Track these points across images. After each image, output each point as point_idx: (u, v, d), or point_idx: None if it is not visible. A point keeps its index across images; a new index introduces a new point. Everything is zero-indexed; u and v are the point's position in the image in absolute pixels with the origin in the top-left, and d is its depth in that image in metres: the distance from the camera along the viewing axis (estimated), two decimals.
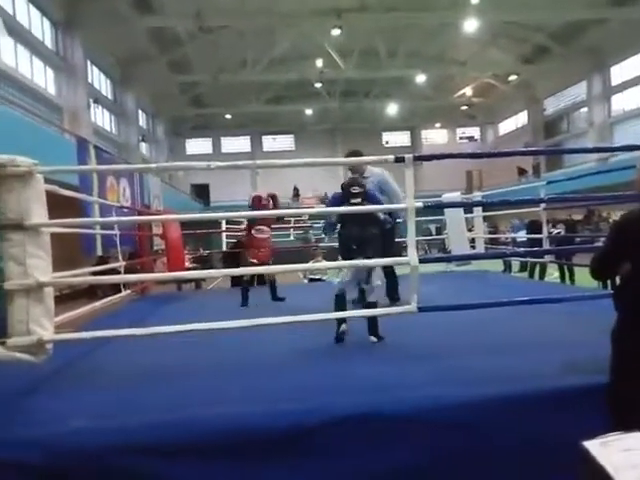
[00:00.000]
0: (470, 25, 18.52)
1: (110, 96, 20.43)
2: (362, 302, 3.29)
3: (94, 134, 16.68)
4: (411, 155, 2.73)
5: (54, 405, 2.11)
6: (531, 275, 9.18)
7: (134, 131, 21.73)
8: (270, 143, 32.32)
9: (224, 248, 8.77)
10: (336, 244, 3.54)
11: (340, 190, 3.28)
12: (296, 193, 29.10)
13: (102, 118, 19.45)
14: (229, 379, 2.43)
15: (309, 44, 20.69)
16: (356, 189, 3.16)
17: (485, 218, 8.87)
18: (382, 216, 3.51)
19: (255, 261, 4.75)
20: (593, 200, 8.94)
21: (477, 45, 22.71)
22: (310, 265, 5.68)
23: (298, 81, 24.46)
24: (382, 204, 3.52)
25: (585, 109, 23.46)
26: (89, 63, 17.86)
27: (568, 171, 20.51)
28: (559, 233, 8.63)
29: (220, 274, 4.67)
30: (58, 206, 2.99)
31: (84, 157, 5.72)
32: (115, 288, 5.99)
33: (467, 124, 32.97)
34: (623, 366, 1.95)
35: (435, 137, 33.39)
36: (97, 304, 4.25)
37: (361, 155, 4.34)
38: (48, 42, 15.27)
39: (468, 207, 8.41)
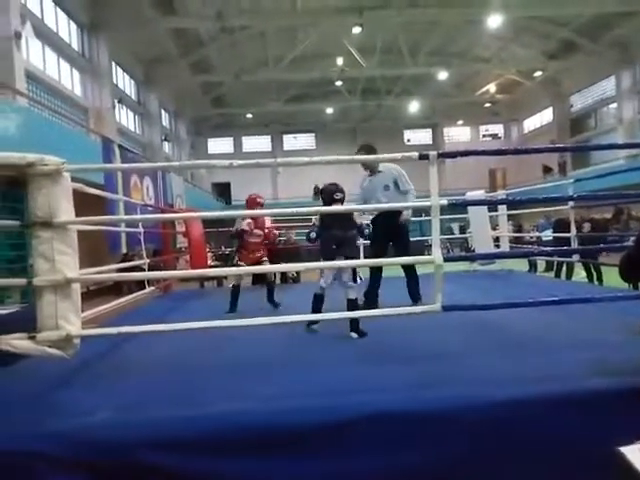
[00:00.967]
0: (494, 21, 18.17)
1: (134, 96, 20.76)
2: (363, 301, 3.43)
3: (119, 134, 17.02)
4: (435, 152, 2.69)
5: (82, 398, 2.15)
6: (557, 275, 8.97)
7: (157, 131, 22.04)
8: (291, 142, 32.33)
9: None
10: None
11: (337, 190, 3.47)
12: (316, 192, 28.99)
13: (126, 118, 19.79)
14: (252, 375, 2.43)
15: (330, 42, 20.63)
16: (339, 195, 3.43)
17: (509, 217, 8.69)
18: (359, 221, 3.63)
19: (243, 264, 4.74)
20: (624, 198, 8.67)
21: (501, 41, 22.30)
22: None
23: (319, 80, 24.43)
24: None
25: (614, 105, 22.81)
26: (114, 64, 18.20)
27: (596, 168, 19.97)
28: (589, 231, 8.42)
29: (242, 272, 4.69)
30: (84, 204, 3.06)
31: (109, 156, 5.83)
32: (140, 285, 6.11)
33: (490, 121, 32.29)
34: None
35: (457, 135, 32.82)
36: (122, 300, 4.34)
37: (373, 149, 4.30)
38: (75, 44, 15.62)
39: (493, 205, 8.24)
